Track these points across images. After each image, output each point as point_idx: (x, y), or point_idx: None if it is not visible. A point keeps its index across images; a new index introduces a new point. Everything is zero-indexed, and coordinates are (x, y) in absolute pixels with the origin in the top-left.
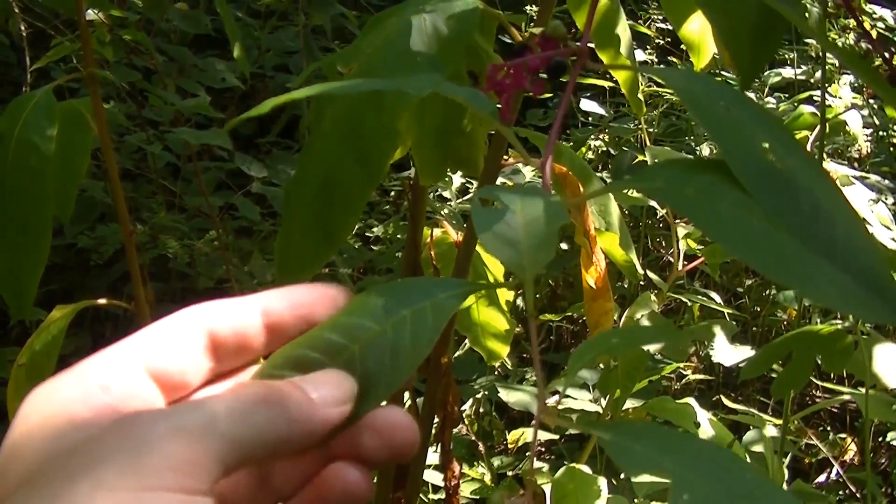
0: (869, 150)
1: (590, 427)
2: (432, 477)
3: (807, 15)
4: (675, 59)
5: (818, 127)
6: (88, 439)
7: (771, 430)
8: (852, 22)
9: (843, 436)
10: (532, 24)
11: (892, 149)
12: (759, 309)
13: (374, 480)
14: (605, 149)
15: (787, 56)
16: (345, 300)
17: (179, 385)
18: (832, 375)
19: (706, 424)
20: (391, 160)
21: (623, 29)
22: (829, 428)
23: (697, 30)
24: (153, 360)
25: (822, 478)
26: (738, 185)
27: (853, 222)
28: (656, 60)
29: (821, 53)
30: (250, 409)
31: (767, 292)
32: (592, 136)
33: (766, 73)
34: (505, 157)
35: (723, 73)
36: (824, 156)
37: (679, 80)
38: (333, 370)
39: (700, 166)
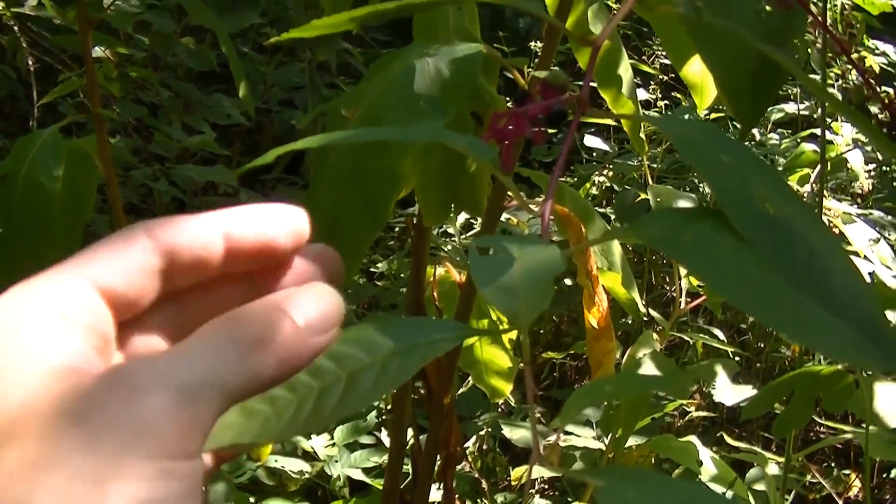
0: (871, 187)
1: (583, 475)
2: None
3: (809, 51)
4: (679, 96)
5: (819, 164)
6: (79, 397)
7: (773, 468)
8: (858, 56)
9: (847, 472)
10: (536, 61)
11: (894, 184)
12: (762, 345)
13: None
14: (609, 185)
15: (790, 91)
16: (305, 227)
17: (131, 305)
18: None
19: (709, 463)
20: (395, 201)
21: (625, 69)
22: (833, 464)
23: (700, 71)
24: (105, 280)
25: None
26: (735, 233)
27: (848, 268)
28: (660, 97)
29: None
30: (247, 355)
31: (771, 329)
32: (596, 173)
33: (769, 109)
34: (508, 197)
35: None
36: (826, 193)
37: (676, 127)
38: (321, 284)
39: (698, 215)
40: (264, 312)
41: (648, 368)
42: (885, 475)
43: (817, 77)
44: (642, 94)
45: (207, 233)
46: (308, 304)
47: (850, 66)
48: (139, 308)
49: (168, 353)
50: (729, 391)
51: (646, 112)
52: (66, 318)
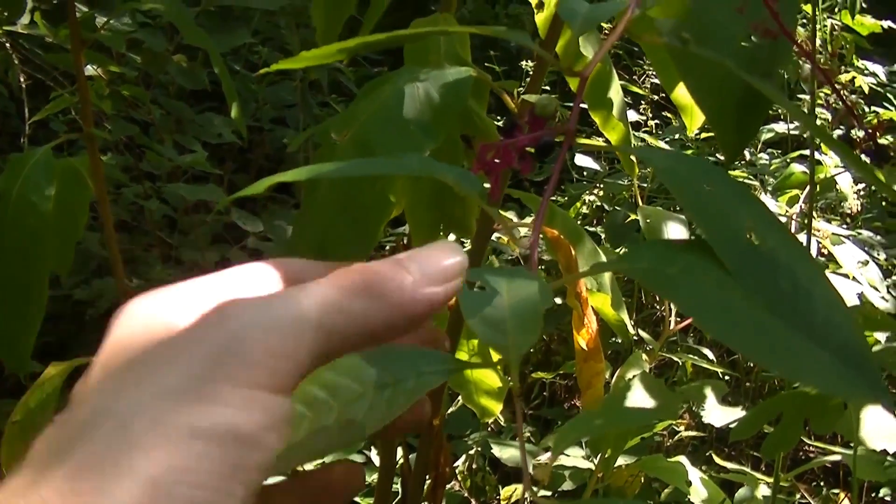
0: (860, 207)
1: None
2: None
3: (799, 71)
4: (669, 115)
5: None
6: (179, 328)
7: (763, 489)
8: (845, 77)
9: (836, 491)
10: (527, 80)
11: (884, 204)
12: (751, 365)
13: None
14: (599, 204)
15: (780, 111)
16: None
17: None
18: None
19: (698, 483)
20: (384, 225)
21: (615, 91)
22: (822, 483)
23: (688, 94)
24: (229, 293)
25: None
26: (720, 266)
27: (832, 298)
28: (651, 116)
29: (813, 110)
30: (346, 298)
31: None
32: (587, 192)
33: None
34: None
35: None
36: (815, 213)
37: (661, 160)
38: (442, 242)
39: (683, 248)
40: (379, 263)
41: (637, 390)
42: (873, 494)
43: (807, 97)
44: (633, 115)
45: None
46: (428, 257)
47: (835, 93)
48: None
49: (274, 293)
50: (718, 412)
51: (635, 133)
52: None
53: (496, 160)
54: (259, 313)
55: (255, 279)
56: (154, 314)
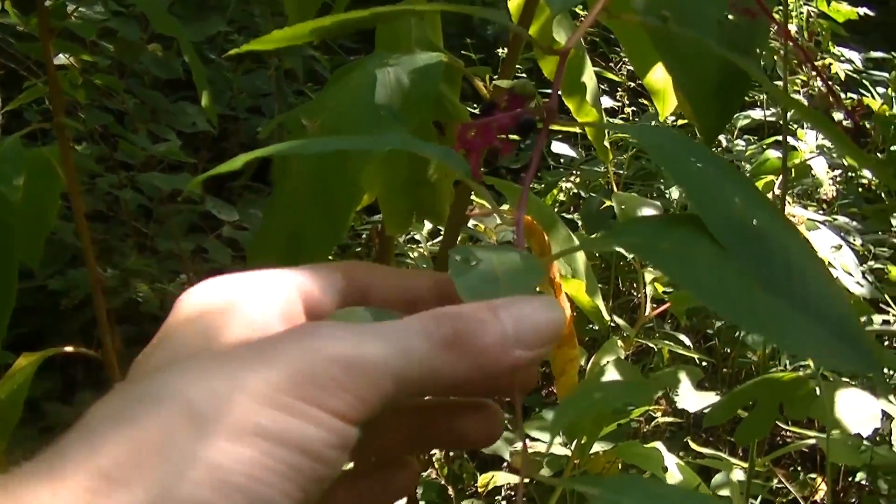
0: (835, 193)
1: (573, 483)
2: None
3: (776, 58)
4: (646, 102)
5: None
6: (263, 337)
7: (739, 474)
8: (821, 64)
9: (813, 476)
10: (499, 68)
11: (860, 190)
12: (728, 351)
13: None
14: (576, 191)
15: (756, 98)
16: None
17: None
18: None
19: (674, 468)
20: (355, 211)
21: (589, 77)
22: (799, 468)
23: (662, 77)
24: (305, 287)
25: None
26: (712, 240)
27: (823, 274)
28: (627, 103)
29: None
30: (434, 351)
31: (737, 334)
32: (564, 179)
33: (735, 115)
34: (471, 205)
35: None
36: (790, 200)
37: (650, 136)
38: (545, 297)
39: (675, 222)
40: (473, 313)
41: (612, 376)
42: (850, 479)
43: (780, 84)
44: (609, 102)
45: (393, 283)
46: (526, 315)
47: (815, 74)
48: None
49: (363, 325)
50: (692, 397)
51: (611, 120)
52: (262, 292)
53: (476, 139)
54: (346, 348)
55: (330, 283)
56: (226, 299)
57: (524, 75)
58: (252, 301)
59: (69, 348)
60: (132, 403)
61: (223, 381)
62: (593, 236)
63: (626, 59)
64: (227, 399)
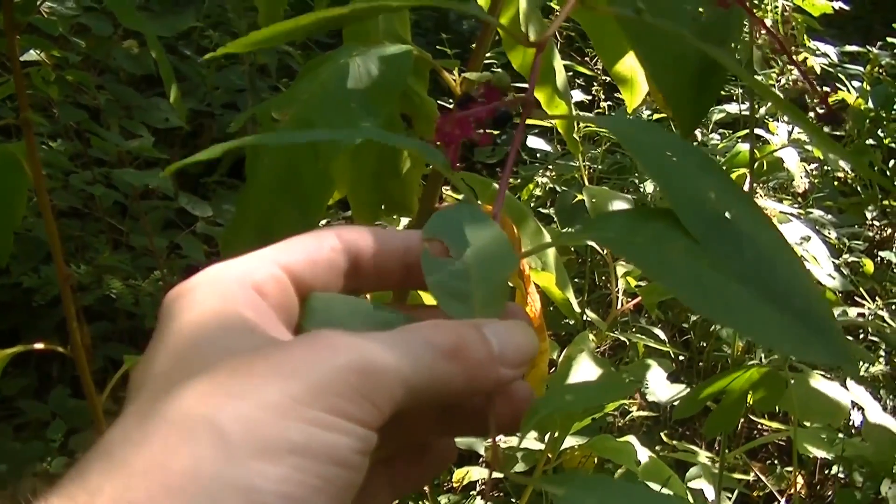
0: (808, 186)
1: (540, 482)
2: None
3: (753, 51)
4: (622, 97)
5: (756, 164)
6: (276, 346)
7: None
8: (797, 56)
9: (789, 469)
10: (466, 64)
11: (836, 184)
12: (704, 344)
13: None
14: (552, 186)
15: (732, 92)
16: None
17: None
18: (777, 408)
19: (647, 462)
20: (327, 204)
21: (559, 68)
22: (776, 461)
23: (629, 67)
24: (293, 266)
25: None
26: (685, 233)
27: (793, 265)
28: (603, 97)
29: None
30: (437, 360)
31: (712, 328)
32: (539, 174)
33: (710, 110)
34: (440, 198)
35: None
36: (762, 193)
37: (626, 128)
38: (522, 322)
39: (648, 216)
40: (465, 328)
41: (583, 366)
42: (826, 472)
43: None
44: (584, 96)
45: (390, 245)
46: (506, 335)
47: (790, 68)
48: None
49: (368, 334)
50: (663, 389)
51: (585, 114)
52: (257, 286)
53: (455, 132)
54: (361, 357)
55: (317, 253)
56: (222, 297)
57: (500, 70)
58: (245, 295)
59: (39, 345)
60: (156, 430)
61: (246, 400)
62: (566, 230)
63: None
64: (253, 418)
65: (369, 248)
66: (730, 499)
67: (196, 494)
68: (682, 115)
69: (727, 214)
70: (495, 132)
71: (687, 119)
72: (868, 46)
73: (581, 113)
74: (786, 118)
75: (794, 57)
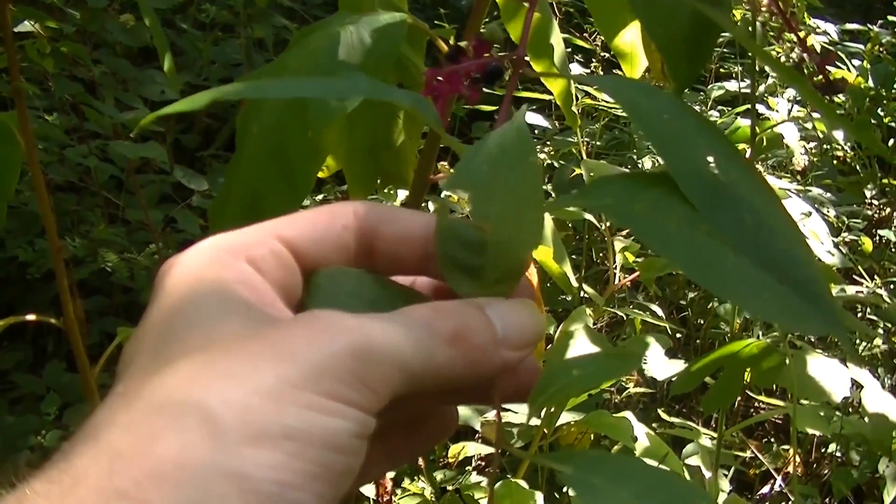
0: (807, 164)
1: (545, 459)
2: (366, 490)
3: (751, 30)
4: (621, 72)
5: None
6: (273, 326)
7: (709, 444)
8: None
9: (786, 447)
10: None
11: (835, 162)
12: (701, 322)
13: None
14: (549, 161)
15: (731, 69)
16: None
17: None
18: (775, 386)
19: (644, 438)
20: (317, 175)
21: (557, 41)
22: (772, 439)
23: (629, 41)
24: (294, 241)
25: (765, 489)
26: (684, 201)
27: (793, 234)
28: (602, 74)
29: (764, 66)
30: (436, 345)
31: (710, 305)
32: (538, 149)
33: (710, 87)
34: (435, 170)
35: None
36: (762, 169)
37: (623, 91)
38: (528, 301)
39: (647, 182)
40: (467, 310)
41: (580, 341)
42: (823, 450)
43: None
44: (584, 70)
45: (410, 230)
46: (511, 317)
47: (789, 46)
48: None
49: (368, 316)
50: (661, 365)
51: (582, 73)
52: (252, 259)
53: (443, 86)
54: (357, 340)
55: (327, 230)
56: (208, 273)
57: (493, 24)
58: (237, 268)
59: (31, 316)
60: (142, 413)
61: (238, 383)
62: (571, 195)
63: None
64: (246, 403)
65: (388, 233)
66: (726, 476)
67: (184, 482)
68: (677, 71)
69: (725, 179)
70: (490, 109)
71: (682, 74)
72: (868, 24)
73: (579, 72)
74: (786, 94)
75: (795, 30)
